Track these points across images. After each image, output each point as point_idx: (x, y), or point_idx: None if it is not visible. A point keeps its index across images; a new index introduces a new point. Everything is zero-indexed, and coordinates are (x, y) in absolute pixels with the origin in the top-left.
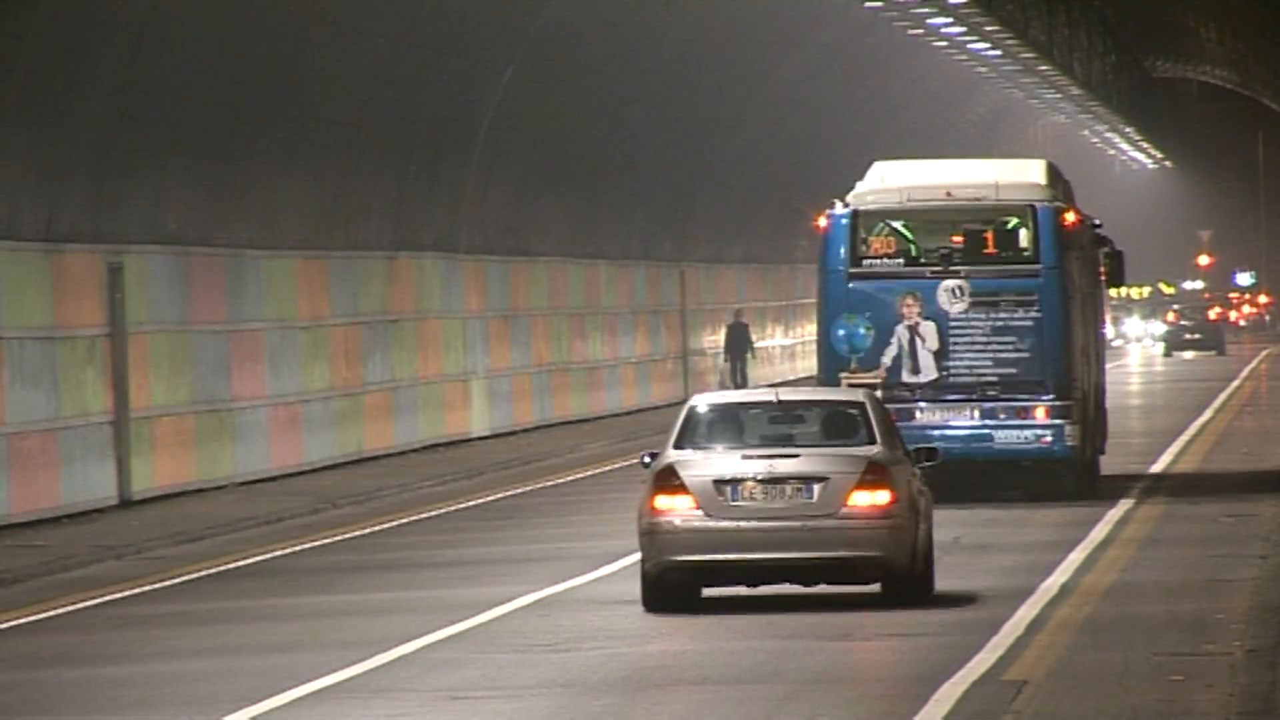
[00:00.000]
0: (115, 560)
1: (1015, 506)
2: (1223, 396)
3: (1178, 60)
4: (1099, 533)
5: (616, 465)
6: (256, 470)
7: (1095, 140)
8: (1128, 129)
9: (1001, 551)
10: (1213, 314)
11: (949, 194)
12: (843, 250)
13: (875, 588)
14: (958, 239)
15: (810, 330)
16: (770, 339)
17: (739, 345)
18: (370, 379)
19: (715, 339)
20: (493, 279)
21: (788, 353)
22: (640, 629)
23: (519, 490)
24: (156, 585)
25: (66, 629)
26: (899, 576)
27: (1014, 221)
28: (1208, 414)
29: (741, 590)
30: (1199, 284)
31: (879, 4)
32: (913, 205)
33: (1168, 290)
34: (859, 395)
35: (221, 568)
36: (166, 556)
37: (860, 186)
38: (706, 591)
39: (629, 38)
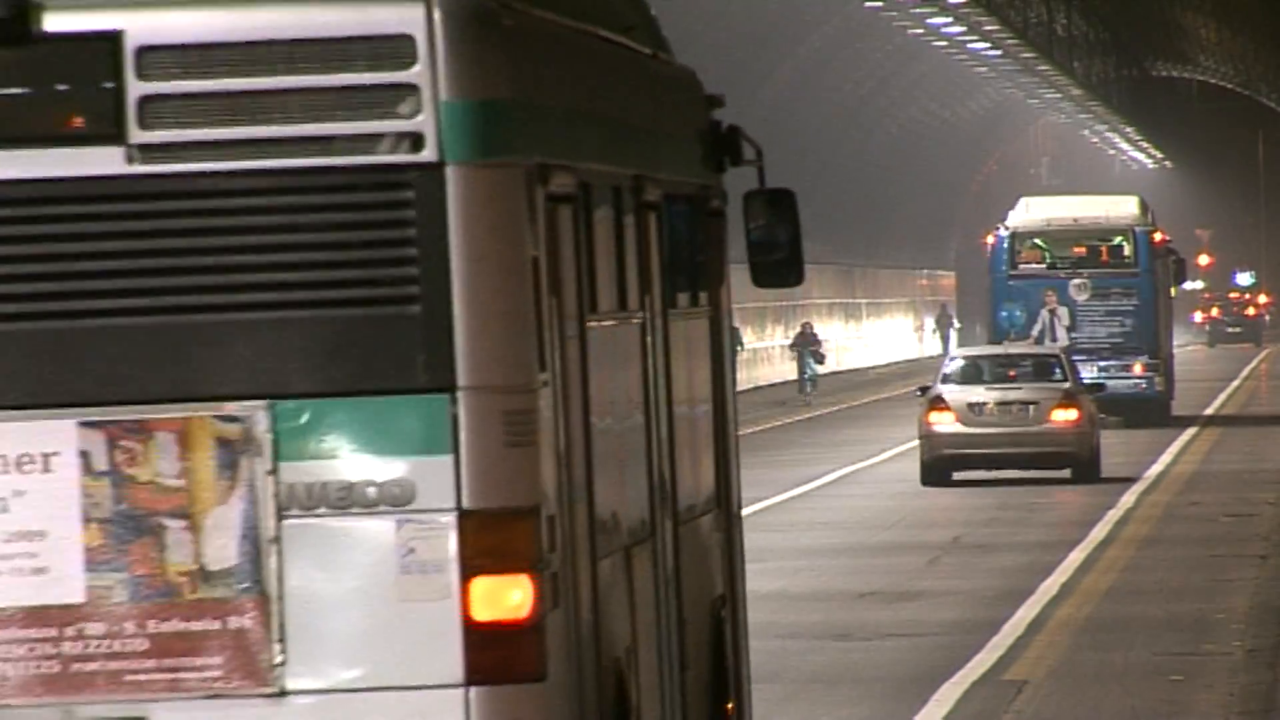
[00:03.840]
0: None
1: (1015, 507)
2: (1222, 397)
3: (1178, 60)
4: (1099, 532)
5: None
6: None
7: (1095, 140)
8: (1128, 129)
9: (1001, 551)
10: (1251, 310)
11: (1075, 220)
12: (1004, 259)
13: (1066, 473)
14: (1081, 250)
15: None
16: (769, 339)
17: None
18: None
19: None
20: None
21: (786, 352)
22: None
23: None
24: None
25: None
26: (1081, 465)
27: (1119, 239)
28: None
29: (981, 473)
30: (1199, 284)
31: (879, 4)
32: (1051, 228)
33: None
34: (1056, 350)
35: None
36: None
37: (1013, 215)
38: (955, 475)
39: None
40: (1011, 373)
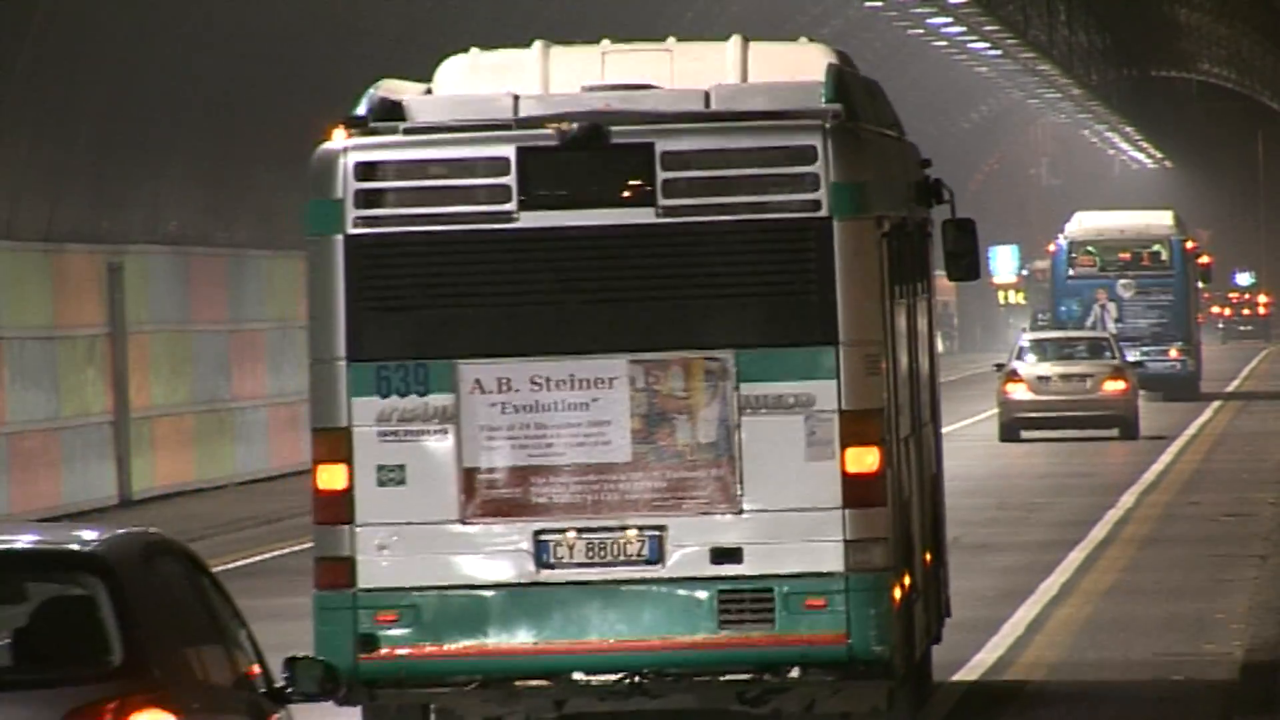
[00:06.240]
0: None
1: (1015, 507)
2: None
3: (1178, 60)
4: (1099, 532)
5: None
6: (256, 470)
7: (1095, 140)
8: (1128, 129)
9: (1001, 551)
10: (1261, 310)
11: (1121, 231)
12: (1063, 263)
13: (1114, 432)
14: (1126, 256)
15: None
16: None
17: None
18: None
19: None
20: None
21: None
22: None
23: None
24: None
25: None
26: (1127, 426)
27: (1157, 246)
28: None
29: (1047, 433)
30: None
31: (879, 4)
32: (1101, 237)
33: None
34: (1107, 335)
35: (222, 568)
36: None
37: (1069, 226)
38: (1025, 434)
39: (627, 39)
40: (1071, 351)
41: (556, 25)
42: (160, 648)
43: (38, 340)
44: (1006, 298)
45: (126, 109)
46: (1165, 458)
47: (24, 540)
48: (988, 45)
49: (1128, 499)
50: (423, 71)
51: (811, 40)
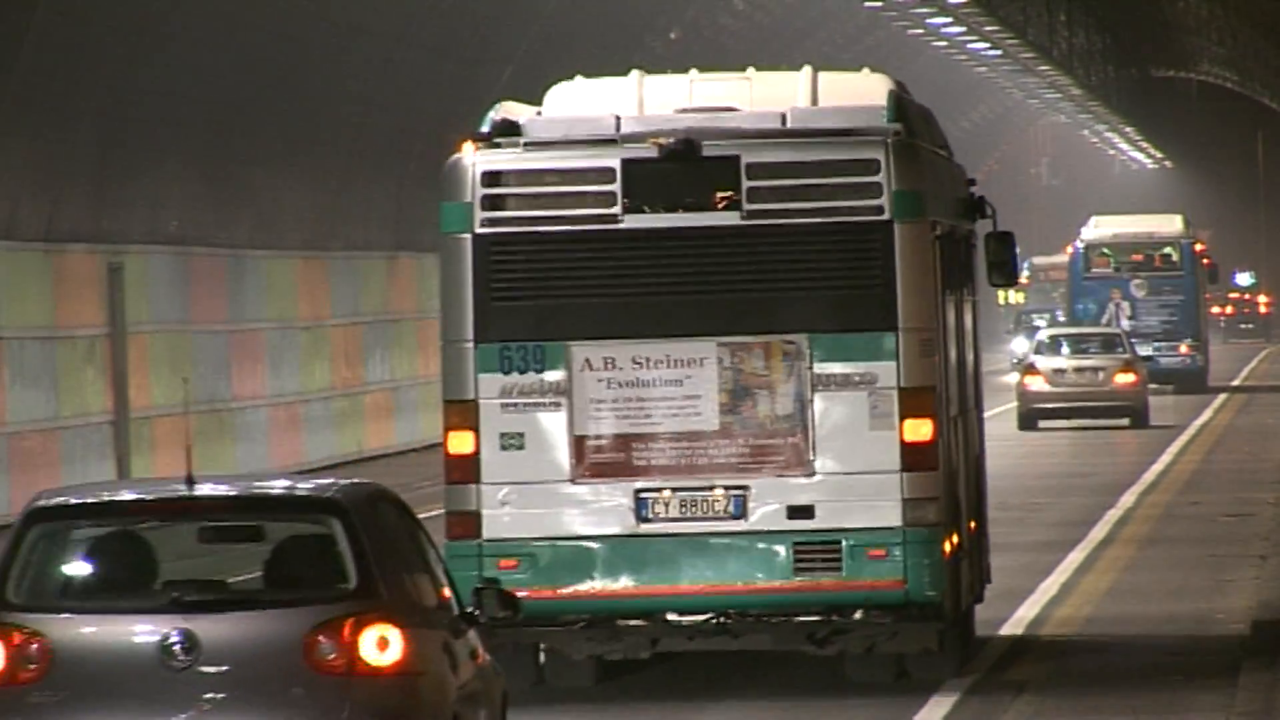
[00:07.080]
0: None
1: (1015, 507)
2: (1219, 401)
3: (1178, 60)
4: (1099, 532)
5: None
6: (256, 470)
7: (1095, 140)
8: (1128, 129)
9: (1001, 551)
10: (1262, 309)
11: (1134, 234)
12: (1080, 265)
13: (1125, 422)
14: (1139, 257)
15: None
16: None
17: None
18: (370, 379)
19: None
20: None
21: None
22: None
23: None
24: None
25: None
26: (1138, 417)
27: (1168, 248)
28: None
29: (1062, 422)
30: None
31: (879, 4)
32: (1115, 240)
33: None
34: (1119, 330)
35: None
36: None
37: (1085, 230)
38: (1042, 424)
39: (628, 37)
40: (1085, 346)
41: (556, 24)
42: (385, 574)
43: (38, 340)
44: (1006, 297)
45: (126, 109)
46: (1166, 457)
47: (274, 488)
48: (988, 45)
49: (1128, 499)
50: (421, 68)
51: (873, 71)
